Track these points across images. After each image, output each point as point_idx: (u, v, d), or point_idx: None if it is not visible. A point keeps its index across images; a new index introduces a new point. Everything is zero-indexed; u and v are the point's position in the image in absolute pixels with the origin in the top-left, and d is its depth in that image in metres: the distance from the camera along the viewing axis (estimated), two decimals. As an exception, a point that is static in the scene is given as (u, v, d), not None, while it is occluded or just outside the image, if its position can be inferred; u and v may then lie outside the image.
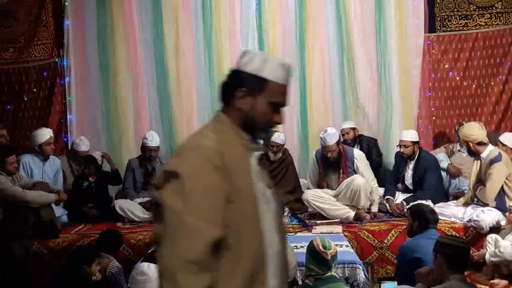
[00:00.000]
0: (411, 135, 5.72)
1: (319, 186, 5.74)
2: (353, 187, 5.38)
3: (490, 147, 5.12)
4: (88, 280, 3.59)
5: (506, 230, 4.68)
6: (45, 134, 5.65)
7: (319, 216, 5.50)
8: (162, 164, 6.02)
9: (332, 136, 5.49)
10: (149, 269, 3.04)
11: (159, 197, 1.66)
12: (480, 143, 5.06)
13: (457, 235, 4.72)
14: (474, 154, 5.18)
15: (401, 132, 5.90)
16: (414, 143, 5.69)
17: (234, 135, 1.80)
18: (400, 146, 5.70)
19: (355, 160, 5.59)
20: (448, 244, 3.10)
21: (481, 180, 5.14)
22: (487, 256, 4.37)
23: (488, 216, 4.90)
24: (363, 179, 5.45)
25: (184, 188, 1.63)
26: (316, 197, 5.53)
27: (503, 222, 4.90)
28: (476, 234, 4.93)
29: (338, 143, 5.55)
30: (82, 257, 3.72)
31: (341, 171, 5.59)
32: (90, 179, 5.76)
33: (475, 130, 5.07)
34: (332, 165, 5.60)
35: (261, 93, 1.79)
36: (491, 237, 4.57)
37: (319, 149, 5.73)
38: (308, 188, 5.85)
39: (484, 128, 5.17)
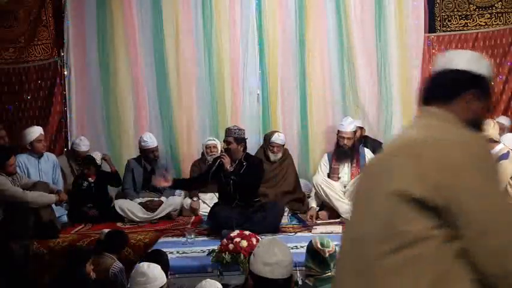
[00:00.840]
0: None
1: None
2: None
3: (501, 145, 5.15)
4: (87, 280, 3.59)
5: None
6: (35, 132, 5.68)
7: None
8: (162, 163, 6.05)
9: (350, 123, 5.68)
10: (149, 269, 3.02)
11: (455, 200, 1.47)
12: (490, 140, 5.09)
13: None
14: None
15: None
16: None
17: None
18: None
19: (366, 157, 5.63)
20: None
21: None
22: None
23: None
24: None
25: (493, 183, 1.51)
26: (327, 183, 5.57)
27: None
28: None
29: (355, 133, 5.72)
30: (75, 258, 3.72)
31: (355, 160, 5.66)
32: (90, 179, 5.77)
33: (487, 127, 5.09)
34: (345, 157, 5.65)
35: (487, 99, 1.72)
36: None
37: (331, 151, 5.81)
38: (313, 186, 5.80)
39: (498, 126, 5.20)
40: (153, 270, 3.03)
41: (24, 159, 5.59)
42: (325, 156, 5.86)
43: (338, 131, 5.75)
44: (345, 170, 5.70)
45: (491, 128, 5.09)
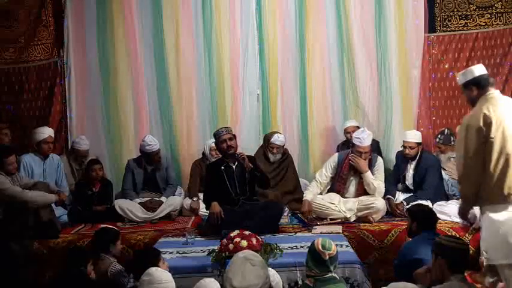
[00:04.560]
0: (416, 137, 5.71)
1: (336, 189, 5.56)
2: (372, 210, 5.29)
3: None
4: (87, 280, 3.60)
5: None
6: (44, 133, 5.69)
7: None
8: (162, 162, 6.04)
9: (369, 136, 5.36)
10: (156, 272, 3.04)
11: None
12: None
13: (457, 235, 4.71)
14: None
15: (406, 133, 5.84)
16: (418, 144, 5.69)
17: None
18: (405, 147, 5.68)
19: (376, 166, 5.47)
20: (447, 245, 3.09)
21: None
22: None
23: None
24: (383, 201, 5.37)
25: None
26: (322, 207, 5.41)
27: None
28: (476, 235, 4.92)
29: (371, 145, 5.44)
30: (76, 258, 3.72)
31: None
32: (94, 188, 5.77)
33: None
34: (357, 169, 5.43)
35: None
36: None
37: (343, 152, 5.64)
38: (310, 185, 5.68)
39: None
40: (160, 274, 3.04)
41: (30, 159, 5.60)
42: (335, 158, 5.58)
43: (353, 144, 5.40)
44: (353, 183, 5.50)
45: None
